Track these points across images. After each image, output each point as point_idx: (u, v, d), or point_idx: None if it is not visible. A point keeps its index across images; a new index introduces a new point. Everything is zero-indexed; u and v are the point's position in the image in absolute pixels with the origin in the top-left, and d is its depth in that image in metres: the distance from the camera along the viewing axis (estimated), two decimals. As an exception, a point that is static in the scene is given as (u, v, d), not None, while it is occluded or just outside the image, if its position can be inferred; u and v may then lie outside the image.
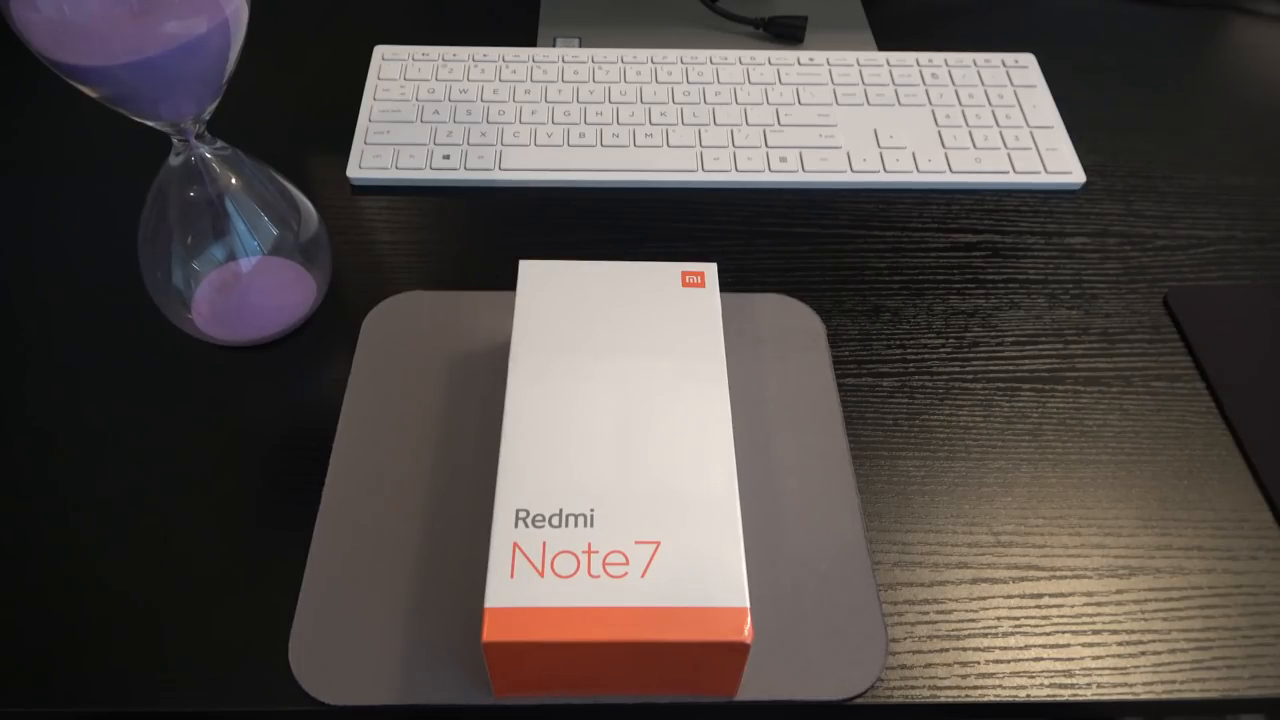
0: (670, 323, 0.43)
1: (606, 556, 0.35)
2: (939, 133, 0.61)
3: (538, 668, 0.36)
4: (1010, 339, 0.52)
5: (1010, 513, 0.45)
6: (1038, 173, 0.59)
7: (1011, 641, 0.41)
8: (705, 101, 0.62)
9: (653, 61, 0.64)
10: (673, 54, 0.65)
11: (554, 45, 0.68)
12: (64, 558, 0.42)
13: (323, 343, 0.50)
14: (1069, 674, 0.40)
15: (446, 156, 0.59)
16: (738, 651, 0.35)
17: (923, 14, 0.72)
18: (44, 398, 0.48)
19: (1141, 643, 0.41)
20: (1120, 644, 0.41)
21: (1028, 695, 0.40)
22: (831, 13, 0.71)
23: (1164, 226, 0.58)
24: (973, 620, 0.42)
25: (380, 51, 0.65)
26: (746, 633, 0.34)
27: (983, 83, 0.64)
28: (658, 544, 0.36)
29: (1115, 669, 0.40)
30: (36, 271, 0.53)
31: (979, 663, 0.41)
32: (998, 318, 0.53)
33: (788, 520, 0.44)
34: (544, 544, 0.36)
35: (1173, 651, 0.41)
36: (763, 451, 0.46)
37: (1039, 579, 0.43)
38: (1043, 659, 0.41)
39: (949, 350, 0.51)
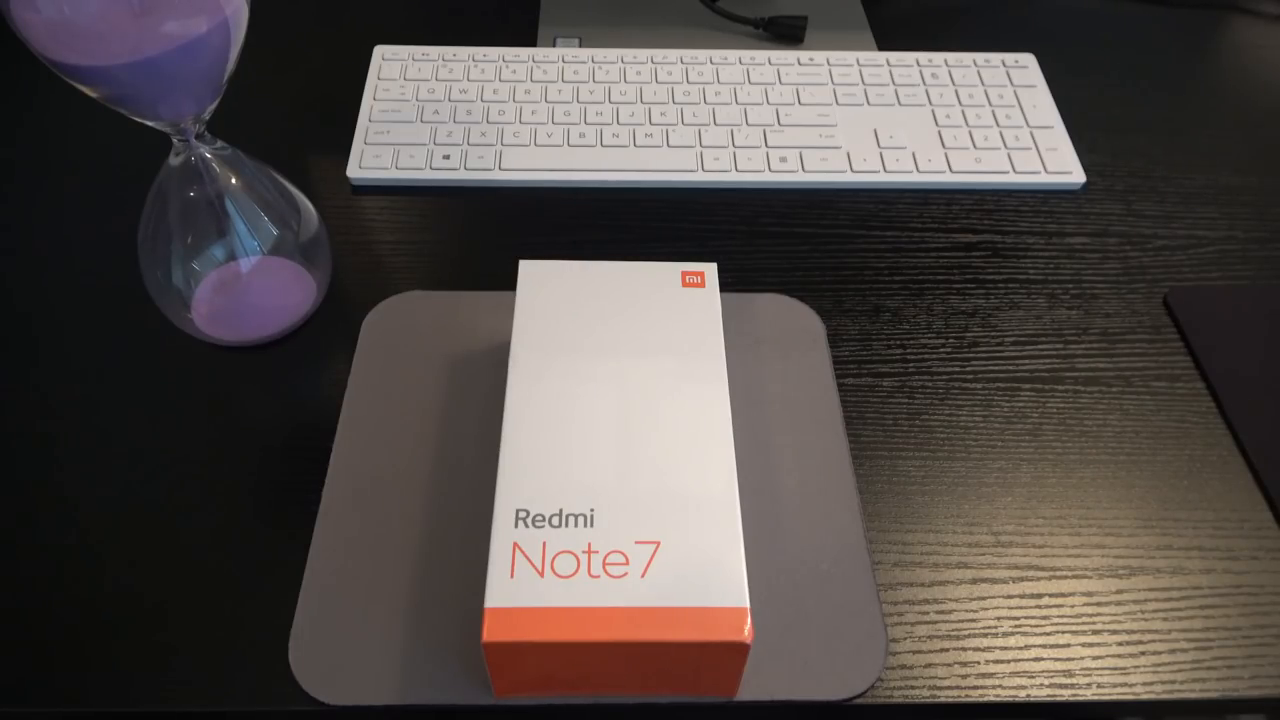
0: (670, 323, 0.43)
1: (606, 556, 0.35)
2: (939, 133, 0.61)
3: (538, 668, 0.36)
4: (1010, 339, 0.52)
5: (1010, 513, 0.45)
6: (1038, 173, 0.59)
7: (1011, 641, 0.41)
8: (705, 101, 0.62)
9: (653, 61, 0.64)
10: (673, 54, 0.65)
11: (554, 45, 0.68)
12: (64, 558, 0.42)
13: (323, 343, 0.50)
14: (1069, 674, 0.40)
15: (446, 156, 0.59)
16: (738, 651, 0.35)
17: (923, 14, 0.72)
18: (45, 398, 0.48)
19: (1141, 643, 0.41)
20: (1120, 644, 0.41)
21: (1028, 695, 0.40)
22: (831, 13, 0.71)
23: (1164, 226, 0.58)
24: (973, 620, 0.42)
25: (380, 51, 0.65)
26: (746, 633, 0.34)
27: (983, 83, 0.64)
28: (658, 544, 0.36)
29: (1115, 669, 0.40)
30: (37, 271, 0.53)
31: (979, 663, 0.41)
32: (998, 318, 0.53)
33: (788, 520, 0.44)
34: (544, 544, 0.36)
35: (1173, 651, 0.41)
36: (763, 451, 0.46)
37: (1039, 579, 0.43)
38: (1043, 659, 0.41)
39: (949, 350, 0.51)
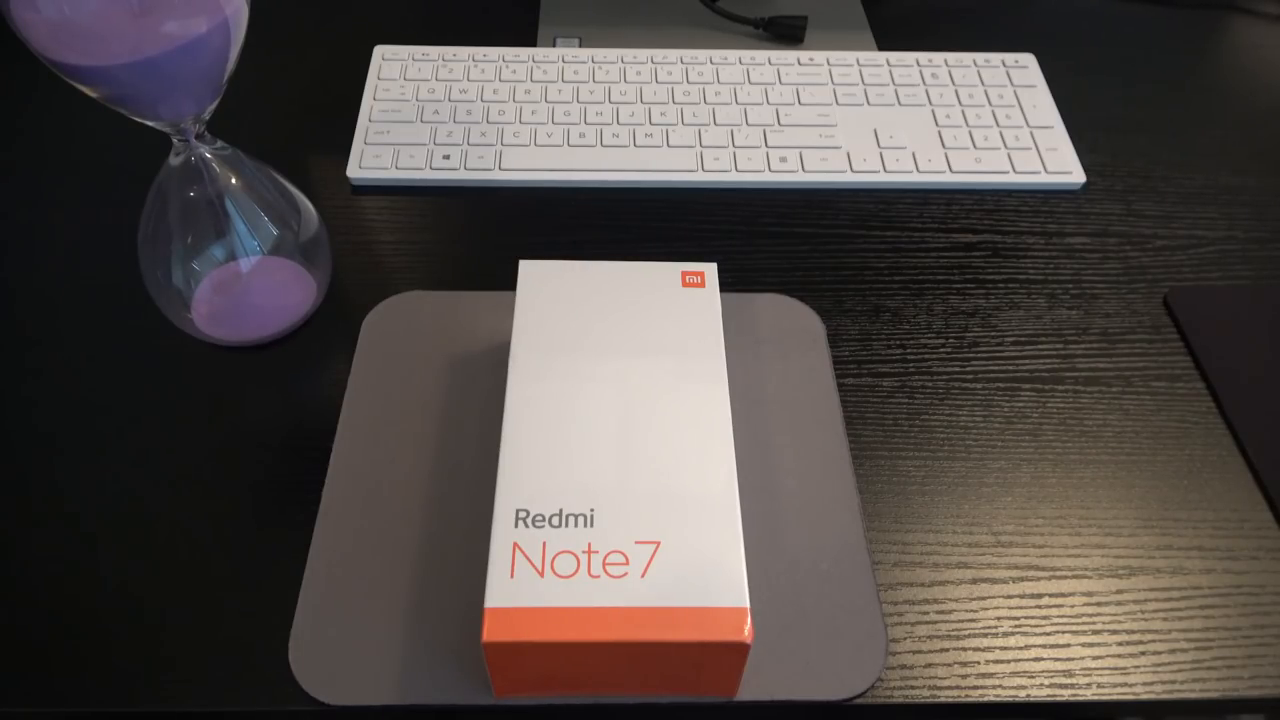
0: (670, 323, 0.43)
1: (606, 556, 0.35)
2: (939, 133, 0.61)
3: (538, 668, 0.36)
4: (1010, 339, 0.52)
5: (1010, 513, 0.45)
6: (1038, 173, 0.59)
7: (1011, 641, 0.41)
8: (705, 101, 0.62)
9: (653, 61, 0.64)
10: (673, 54, 0.65)
11: (554, 45, 0.68)
12: (64, 558, 0.42)
13: (323, 343, 0.50)
14: (1069, 674, 0.40)
15: (446, 156, 0.59)
16: (738, 651, 0.35)
17: (923, 14, 0.72)
18: (44, 398, 0.48)
19: (1141, 643, 0.41)
20: (1120, 644, 0.41)
21: (1028, 695, 0.40)
22: (831, 13, 0.71)
23: (1164, 226, 0.58)
24: (973, 620, 0.42)
25: (380, 51, 0.65)
26: (746, 633, 0.34)
27: (983, 83, 0.64)
28: (658, 544, 0.36)
29: (1115, 669, 0.40)
30: (37, 271, 0.53)
31: (979, 663, 0.41)
32: (998, 318, 0.53)
33: (788, 520, 0.44)
34: (544, 544, 0.36)
35: (1173, 651, 0.41)
36: (763, 451, 0.46)
37: (1039, 579, 0.43)
38: (1043, 659, 0.41)
39: (949, 350, 0.51)
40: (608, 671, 0.36)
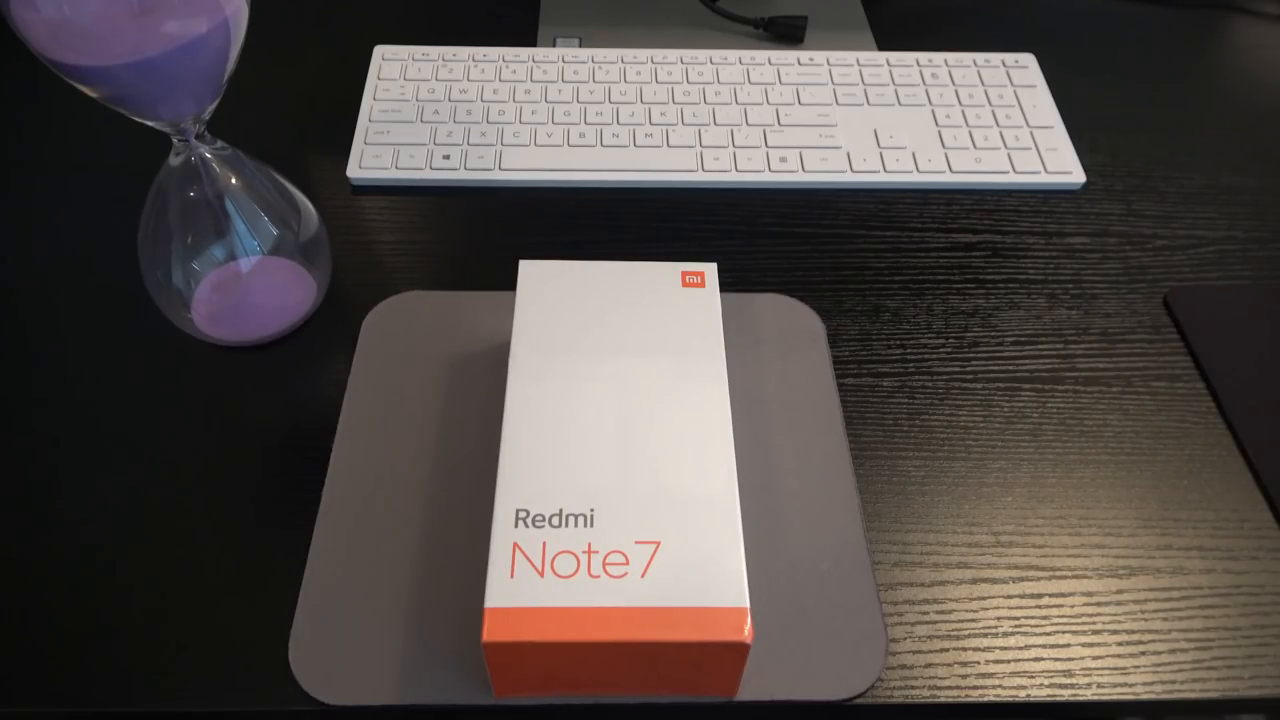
0: (670, 323, 0.43)
1: (606, 556, 0.35)
2: (939, 133, 0.61)
3: (538, 668, 0.36)
4: (1010, 339, 0.52)
5: (1010, 513, 0.45)
6: (1038, 173, 0.59)
7: (1011, 641, 0.41)
8: (705, 101, 0.62)
9: (653, 61, 0.64)
10: (673, 54, 0.65)
11: (554, 45, 0.68)
12: (64, 558, 0.42)
13: (323, 343, 0.50)
14: (1069, 674, 0.40)
15: (446, 156, 0.59)
16: (738, 651, 0.35)
17: (923, 14, 0.72)
18: (45, 398, 0.48)
19: (1141, 643, 0.41)
20: (1120, 644, 0.41)
21: (1028, 695, 0.40)
22: (831, 13, 0.71)
23: (1164, 226, 0.58)
24: (973, 620, 0.42)
25: (380, 51, 0.65)
26: (746, 633, 0.34)
27: (983, 83, 0.64)
28: (658, 544, 0.36)
29: (1115, 669, 0.40)
30: (37, 271, 0.53)
31: (979, 663, 0.41)
32: (998, 318, 0.53)
33: (788, 520, 0.44)
34: (544, 544, 0.36)
35: (1173, 651, 0.41)
36: (763, 451, 0.46)
37: (1039, 579, 0.43)
38: (1043, 659, 0.41)
39: (949, 350, 0.51)
40: (608, 671, 0.36)
